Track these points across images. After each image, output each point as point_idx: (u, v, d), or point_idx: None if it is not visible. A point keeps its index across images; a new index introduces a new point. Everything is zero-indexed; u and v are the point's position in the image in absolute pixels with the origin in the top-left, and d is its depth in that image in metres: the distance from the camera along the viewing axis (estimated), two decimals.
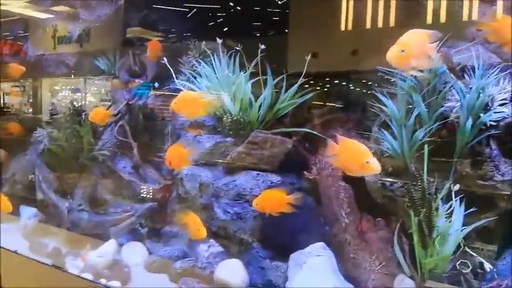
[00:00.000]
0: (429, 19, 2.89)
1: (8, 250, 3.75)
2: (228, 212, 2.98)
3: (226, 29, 3.58)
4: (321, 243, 2.74)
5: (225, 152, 3.27)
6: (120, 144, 3.91)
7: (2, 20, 4.75)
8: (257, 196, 2.66)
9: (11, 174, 4.45)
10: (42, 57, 4.27)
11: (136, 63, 4.09)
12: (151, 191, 3.73)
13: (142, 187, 3.77)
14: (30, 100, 4.92)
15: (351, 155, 2.07)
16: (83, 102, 4.12)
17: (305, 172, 3.02)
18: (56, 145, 3.84)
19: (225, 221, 3.00)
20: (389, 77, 2.63)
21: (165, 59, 3.57)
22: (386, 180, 2.63)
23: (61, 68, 4.20)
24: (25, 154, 4.51)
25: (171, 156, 2.92)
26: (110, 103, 4.19)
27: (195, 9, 3.73)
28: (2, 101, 5.38)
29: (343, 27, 3.30)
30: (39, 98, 4.81)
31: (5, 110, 5.19)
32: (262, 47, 3.06)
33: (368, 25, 3.19)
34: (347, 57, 3.17)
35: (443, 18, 2.85)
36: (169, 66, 3.54)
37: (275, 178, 2.99)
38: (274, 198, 2.47)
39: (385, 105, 2.65)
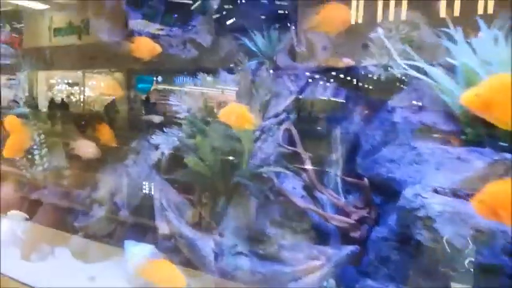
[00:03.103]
0: None
1: None
2: None
3: None
4: None
5: (503, 175, 2.06)
6: (285, 155, 2.71)
7: None
8: None
9: (107, 193, 3.23)
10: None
11: (301, 41, 2.88)
12: (341, 225, 2.52)
13: (327, 219, 2.56)
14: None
15: None
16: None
17: None
18: (195, 156, 2.61)
19: None
20: None
21: (379, 30, 2.38)
22: None
23: (189, 50, 2.97)
24: (125, 166, 3.32)
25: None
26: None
27: None
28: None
29: None
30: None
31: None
32: None
33: None
34: None
35: None
36: (387, 43, 2.36)
37: None
38: None
39: None
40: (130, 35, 3.03)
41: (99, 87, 3.23)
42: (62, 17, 4.08)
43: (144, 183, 3.01)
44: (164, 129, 2.96)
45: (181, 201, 2.80)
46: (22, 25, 4.56)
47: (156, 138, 2.92)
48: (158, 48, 2.74)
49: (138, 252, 2.89)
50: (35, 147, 3.81)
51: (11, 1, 4.45)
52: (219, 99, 2.93)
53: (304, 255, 2.43)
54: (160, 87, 3.67)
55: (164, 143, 2.87)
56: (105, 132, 3.35)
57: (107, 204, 3.16)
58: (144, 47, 2.72)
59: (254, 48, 2.91)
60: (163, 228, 2.75)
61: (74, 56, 3.59)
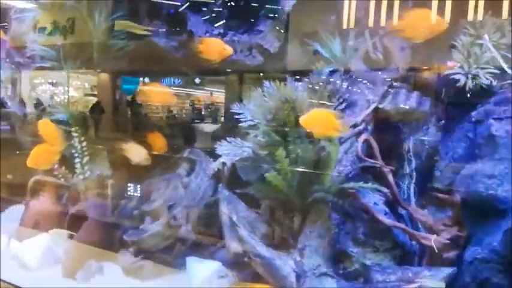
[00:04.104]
0: None
1: None
2: None
3: None
4: None
5: None
6: (364, 168, 2.55)
7: None
8: None
9: (163, 203, 3.04)
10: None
11: (377, 48, 2.72)
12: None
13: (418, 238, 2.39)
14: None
15: None
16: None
17: None
18: (275, 170, 2.43)
19: None
20: None
21: (486, 37, 2.23)
22: None
23: (254, 56, 2.78)
24: (178, 175, 3.14)
25: None
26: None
27: None
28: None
29: None
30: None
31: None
32: None
33: None
34: None
35: None
36: (494, 50, 2.20)
37: None
38: None
39: None
40: (191, 36, 2.86)
41: (156, 98, 3.02)
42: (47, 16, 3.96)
43: (206, 195, 2.83)
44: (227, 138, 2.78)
45: (254, 217, 2.61)
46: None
47: (220, 148, 2.74)
48: (229, 50, 2.56)
49: (203, 269, 2.72)
50: (75, 154, 3.62)
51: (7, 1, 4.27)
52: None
53: (396, 278, 2.26)
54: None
55: (230, 153, 2.68)
56: (158, 141, 3.16)
57: (163, 217, 2.97)
58: (214, 48, 2.54)
59: (326, 54, 2.73)
60: (233, 246, 2.56)
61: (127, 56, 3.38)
